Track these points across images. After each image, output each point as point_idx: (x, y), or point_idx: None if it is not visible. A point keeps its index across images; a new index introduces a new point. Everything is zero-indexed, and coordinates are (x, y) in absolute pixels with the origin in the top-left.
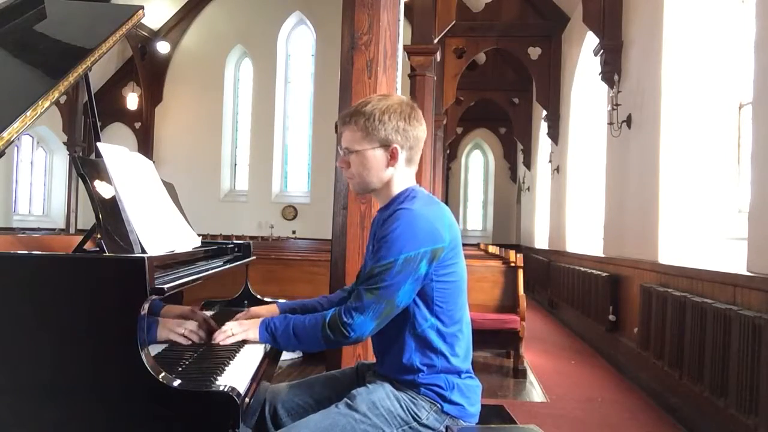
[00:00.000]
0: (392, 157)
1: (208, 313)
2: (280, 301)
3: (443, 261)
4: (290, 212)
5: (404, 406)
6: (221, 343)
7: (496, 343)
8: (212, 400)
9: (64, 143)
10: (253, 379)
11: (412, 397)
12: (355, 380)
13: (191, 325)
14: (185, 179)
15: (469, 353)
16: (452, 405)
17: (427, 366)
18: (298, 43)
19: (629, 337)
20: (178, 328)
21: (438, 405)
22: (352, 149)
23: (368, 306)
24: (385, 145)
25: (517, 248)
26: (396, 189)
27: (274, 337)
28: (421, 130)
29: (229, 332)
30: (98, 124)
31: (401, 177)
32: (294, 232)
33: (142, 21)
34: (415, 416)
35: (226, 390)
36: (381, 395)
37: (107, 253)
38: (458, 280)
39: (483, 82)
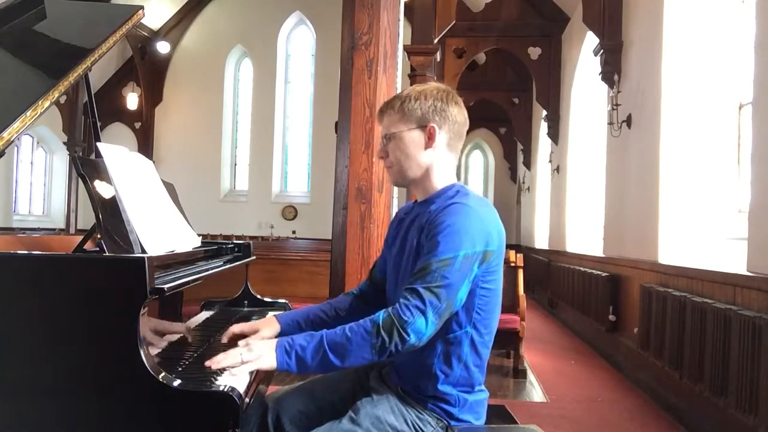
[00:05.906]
0: (430, 138)
1: (208, 314)
2: (279, 313)
3: (490, 266)
4: (290, 212)
5: (409, 422)
6: (226, 368)
7: (496, 343)
8: (212, 400)
9: (64, 143)
10: (253, 379)
11: (419, 413)
12: (355, 379)
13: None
14: (185, 179)
15: (486, 362)
16: (459, 422)
17: (444, 374)
18: (298, 43)
19: (629, 337)
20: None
21: (444, 422)
22: (389, 133)
23: (429, 306)
24: (422, 125)
25: (517, 248)
26: (438, 180)
27: (301, 361)
28: (459, 114)
29: (238, 358)
30: (98, 124)
31: (442, 165)
32: (294, 232)
33: (142, 21)
34: None
35: (226, 390)
36: (386, 409)
37: (107, 253)
38: (498, 288)
39: (483, 82)
